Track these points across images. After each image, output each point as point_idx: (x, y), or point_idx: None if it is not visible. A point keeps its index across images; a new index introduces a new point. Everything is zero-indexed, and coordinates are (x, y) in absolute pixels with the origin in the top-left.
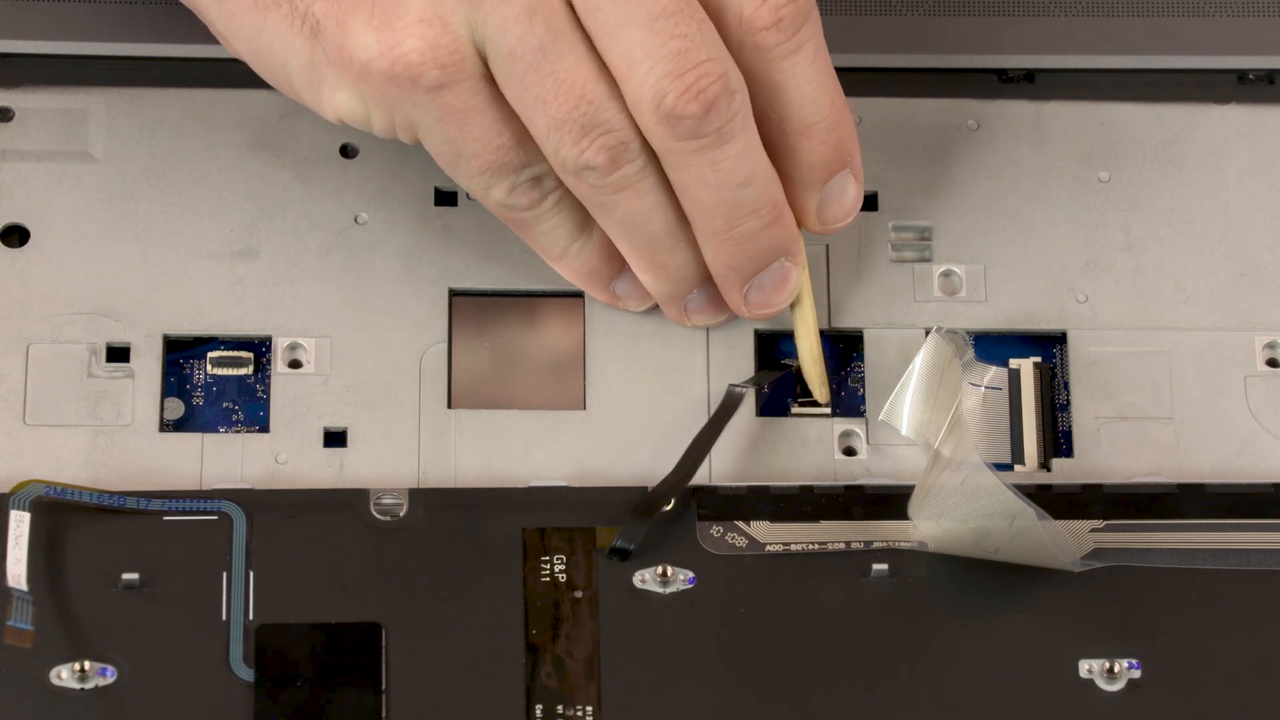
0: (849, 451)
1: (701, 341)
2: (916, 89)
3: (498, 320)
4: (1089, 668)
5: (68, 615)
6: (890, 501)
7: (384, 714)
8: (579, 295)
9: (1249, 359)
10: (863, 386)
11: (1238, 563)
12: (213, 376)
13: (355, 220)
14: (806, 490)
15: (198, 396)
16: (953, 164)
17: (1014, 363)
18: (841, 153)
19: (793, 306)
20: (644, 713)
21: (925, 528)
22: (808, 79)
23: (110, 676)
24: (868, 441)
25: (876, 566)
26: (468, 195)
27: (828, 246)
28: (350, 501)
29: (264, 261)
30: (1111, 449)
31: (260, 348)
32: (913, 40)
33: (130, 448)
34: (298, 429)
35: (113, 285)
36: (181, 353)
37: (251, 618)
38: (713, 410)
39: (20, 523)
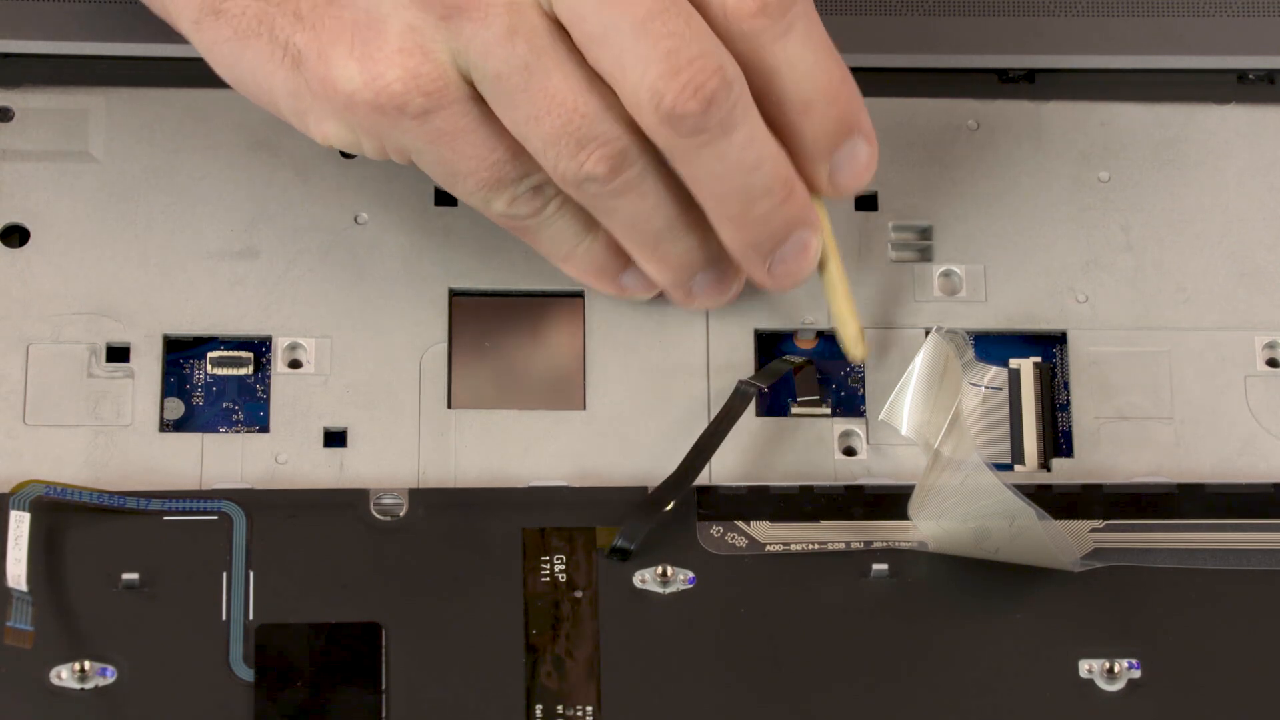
0: (849, 451)
1: (701, 341)
2: (916, 89)
3: (498, 320)
4: (1089, 668)
5: (68, 615)
6: (890, 501)
7: (384, 714)
8: (579, 295)
9: (1249, 359)
10: (863, 386)
11: (1238, 563)
12: (213, 376)
13: (355, 220)
14: (806, 490)
15: (198, 396)
16: (953, 164)
17: (1014, 363)
18: (846, 122)
19: (820, 270)
20: (644, 713)
21: (925, 528)
22: (801, 58)
23: (110, 676)
24: (868, 441)
25: (876, 566)
26: None
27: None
28: (350, 501)
29: (264, 261)
30: (1111, 449)
31: (260, 348)
32: (913, 40)
33: (130, 448)
34: (298, 429)
35: (113, 285)
36: (181, 353)
37: (251, 618)
38: (714, 409)
39: (20, 523)
